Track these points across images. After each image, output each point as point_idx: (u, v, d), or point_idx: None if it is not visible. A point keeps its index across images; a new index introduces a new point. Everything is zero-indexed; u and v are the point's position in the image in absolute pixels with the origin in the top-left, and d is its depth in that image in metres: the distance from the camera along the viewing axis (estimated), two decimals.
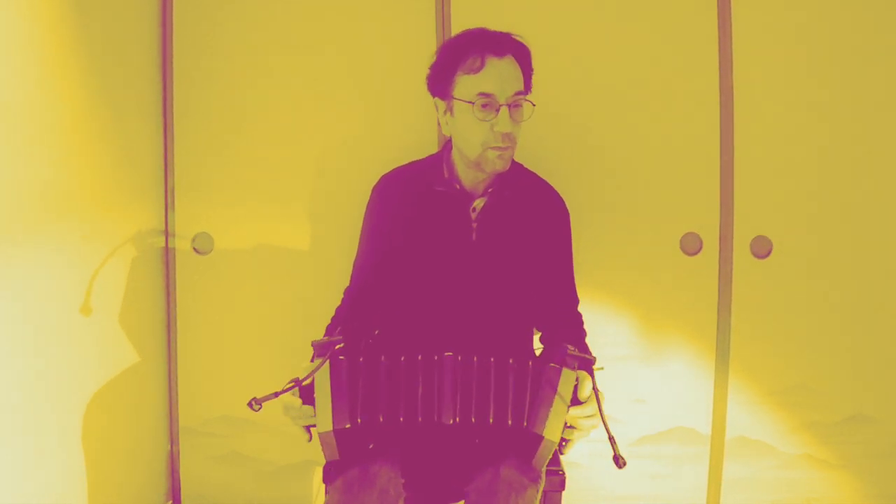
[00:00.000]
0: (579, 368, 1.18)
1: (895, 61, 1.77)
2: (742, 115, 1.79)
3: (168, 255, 1.87)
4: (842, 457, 1.84)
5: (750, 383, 1.84)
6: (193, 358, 1.89)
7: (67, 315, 1.49)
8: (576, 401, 1.17)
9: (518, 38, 1.37)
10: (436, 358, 1.19)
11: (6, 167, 1.28)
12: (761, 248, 1.80)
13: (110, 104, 1.63)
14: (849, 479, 1.85)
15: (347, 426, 1.16)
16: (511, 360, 1.19)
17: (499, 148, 1.35)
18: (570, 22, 1.80)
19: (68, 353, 1.49)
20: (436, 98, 1.42)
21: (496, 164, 1.37)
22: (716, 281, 1.82)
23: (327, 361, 1.17)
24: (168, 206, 1.86)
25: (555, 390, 1.15)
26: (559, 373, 1.16)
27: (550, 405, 1.15)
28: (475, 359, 1.19)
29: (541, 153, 1.71)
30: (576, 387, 1.17)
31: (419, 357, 1.20)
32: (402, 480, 1.26)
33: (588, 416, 1.19)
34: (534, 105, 1.38)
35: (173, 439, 1.91)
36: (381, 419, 1.18)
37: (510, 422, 1.17)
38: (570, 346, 1.19)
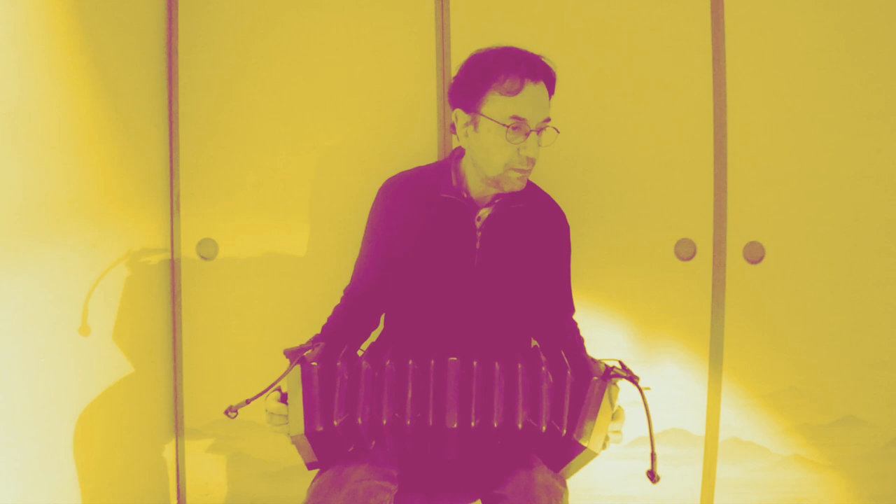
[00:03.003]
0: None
1: (889, 69, 1.79)
2: (735, 122, 1.81)
3: (173, 261, 1.89)
4: (833, 458, 1.86)
5: (743, 386, 1.86)
6: (198, 361, 1.91)
7: (74, 319, 1.51)
8: None
9: (547, 62, 1.37)
10: (432, 362, 1.20)
11: (18, 174, 1.31)
12: (754, 254, 1.83)
13: (118, 112, 1.65)
14: (839, 479, 1.87)
15: (319, 429, 1.17)
16: (544, 368, 1.19)
17: (521, 170, 1.36)
18: (564, 28, 1.82)
19: (75, 356, 1.51)
20: (457, 109, 1.40)
21: (516, 184, 1.38)
22: (709, 286, 1.84)
23: (298, 366, 1.18)
24: (173, 212, 1.88)
25: (600, 402, 1.16)
26: (606, 387, 1.17)
27: (596, 417, 1.15)
28: (497, 365, 1.20)
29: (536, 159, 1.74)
30: None
31: (409, 361, 1.21)
32: (392, 485, 1.26)
33: (615, 432, 1.22)
34: (558, 132, 1.40)
35: (179, 441, 1.93)
36: (360, 421, 1.18)
37: (544, 428, 1.17)
38: (617, 363, 1.20)
